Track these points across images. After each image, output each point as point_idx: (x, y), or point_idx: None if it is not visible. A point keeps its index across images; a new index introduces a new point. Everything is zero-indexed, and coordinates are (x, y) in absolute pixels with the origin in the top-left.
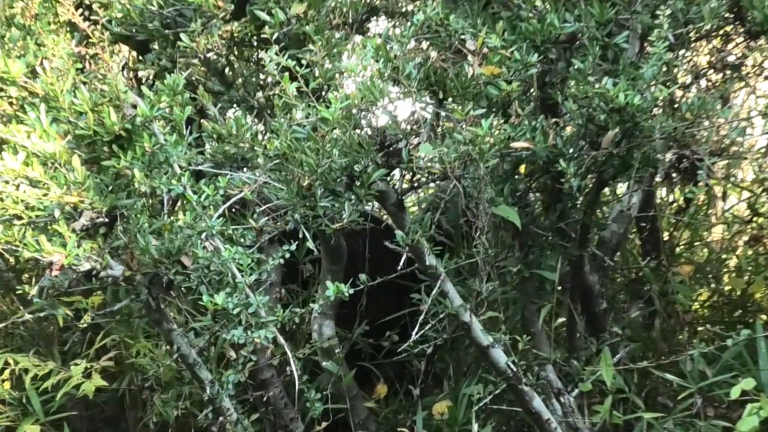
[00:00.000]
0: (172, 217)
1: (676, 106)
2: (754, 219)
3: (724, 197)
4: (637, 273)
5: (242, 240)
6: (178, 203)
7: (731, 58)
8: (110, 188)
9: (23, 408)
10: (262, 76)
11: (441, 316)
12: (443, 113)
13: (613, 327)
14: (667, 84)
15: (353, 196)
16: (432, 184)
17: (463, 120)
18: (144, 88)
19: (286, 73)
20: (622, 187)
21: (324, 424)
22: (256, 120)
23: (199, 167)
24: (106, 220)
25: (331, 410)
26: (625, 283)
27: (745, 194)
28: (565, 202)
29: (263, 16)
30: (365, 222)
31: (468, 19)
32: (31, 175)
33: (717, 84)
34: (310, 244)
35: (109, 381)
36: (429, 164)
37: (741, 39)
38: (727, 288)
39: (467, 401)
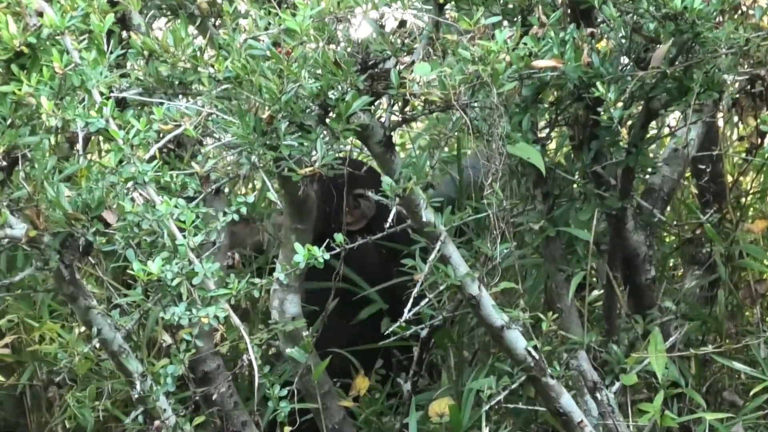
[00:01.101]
0: (90, 160)
1: (747, 11)
2: None
3: None
4: (695, 231)
5: (183, 190)
6: (98, 142)
7: None
8: (8, 122)
9: None
10: None
11: (441, 288)
12: (444, 22)
13: (664, 301)
14: None
15: (327, 132)
16: (430, 116)
17: (470, 31)
18: None
19: None
20: (676, 119)
21: (288, 430)
22: (198, 32)
23: (125, 94)
24: (4, 163)
25: (297, 411)
26: (680, 244)
27: None
28: (603, 138)
29: None
30: (342, 166)
31: None
32: None
33: None
34: (271, 194)
35: (4, 375)
36: (426, 90)
37: None
38: None
39: (474, 398)
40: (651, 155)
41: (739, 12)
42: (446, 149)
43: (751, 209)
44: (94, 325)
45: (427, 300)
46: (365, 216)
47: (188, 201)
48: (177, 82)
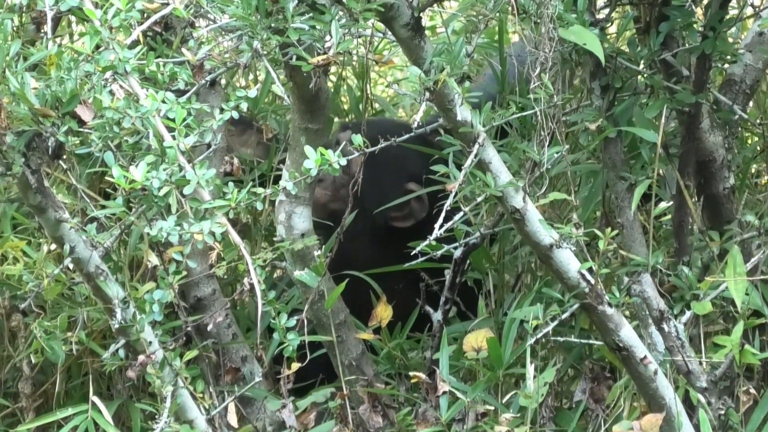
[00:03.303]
0: (60, 45)
1: None
2: None
3: None
4: None
5: (172, 82)
6: (70, 23)
7: None
8: None
9: None
10: None
11: (478, 199)
12: None
13: (745, 215)
14: None
15: (343, 13)
16: None
17: None
18: None
19: None
20: None
21: (296, 367)
22: None
23: None
24: None
25: (308, 345)
26: (764, 146)
27: None
28: (674, 19)
29: None
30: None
31: None
32: None
33: None
34: (277, 87)
35: None
36: None
37: None
38: None
39: (517, 330)
40: (731, 40)
41: None
42: (485, 34)
43: None
44: (67, 242)
45: (461, 214)
46: (414, 217)
47: (178, 95)
48: None
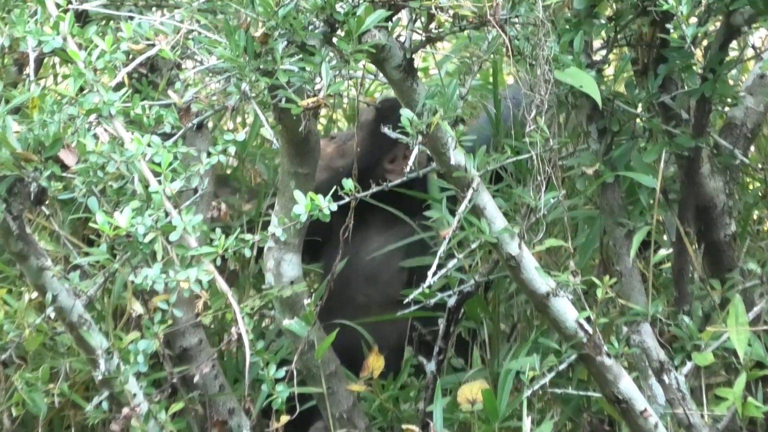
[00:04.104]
0: (43, 87)
1: None
2: None
3: None
4: None
5: (157, 125)
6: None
7: None
8: None
9: None
10: None
11: (473, 246)
12: None
13: (748, 263)
14: None
15: (334, 54)
16: (460, 35)
17: None
18: None
19: None
20: (762, 38)
21: (285, 419)
22: None
23: (87, 6)
24: None
25: (297, 396)
26: (766, 192)
27: None
28: (673, 61)
29: None
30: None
31: None
32: None
33: None
34: (266, 130)
35: None
36: (455, 2)
37: None
38: None
39: (513, 382)
40: (731, 82)
41: None
42: (479, 76)
43: None
44: (49, 291)
45: (455, 261)
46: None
47: (164, 138)
48: None
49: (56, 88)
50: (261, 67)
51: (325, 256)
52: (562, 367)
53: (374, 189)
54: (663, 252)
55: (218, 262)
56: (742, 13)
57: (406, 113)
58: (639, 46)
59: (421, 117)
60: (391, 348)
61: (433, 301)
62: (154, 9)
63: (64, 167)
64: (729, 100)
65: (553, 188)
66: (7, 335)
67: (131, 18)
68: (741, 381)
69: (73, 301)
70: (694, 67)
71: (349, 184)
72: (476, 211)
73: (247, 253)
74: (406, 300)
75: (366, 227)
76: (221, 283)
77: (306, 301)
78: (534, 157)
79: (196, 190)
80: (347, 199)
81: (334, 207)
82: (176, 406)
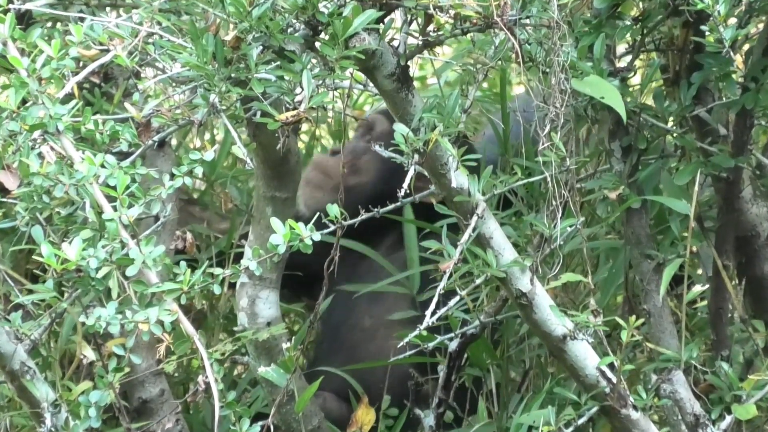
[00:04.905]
0: None
1: None
2: None
3: None
4: None
5: (113, 143)
6: None
7: None
8: None
9: None
10: None
11: (478, 281)
12: None
13: None
14: None
15: (317, 61)
16: (462, 39)
17: None
18: None
19: None
20: None
21: None
22: None
23: (30, 5)
24: None
25: None
26: None
27: None
28: (708, 69)
29: None
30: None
31: None
32: None
33: None
34: (238, 149)
35: None
36: (457, 1)
37: None
38: None
39: None
40: None
41: None
42: (485, 85)
43: None
44: None
45: (458, 299)
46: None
47: (120, 158)
48: None
49: None
50: (232, 75)
51: (318, 290)
52: (581, 421)
53: (363, 216)
54: (698, 288)
55: (183, 300)
56: None
57: (400, 129)
58: (669, 51)
59: (417, 133)
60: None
61: (431, 345)
62: (108, 9)
63: (5, 191)
64: None
65: (571, 215)
66: None
67: (82, 20)
68: None
69: (14, 345)
70: (733, 76)
71: (334, 210)
72: (481, 241)
73: (217, 290)
74: (400, 344)
75: (370, 247)
76: (186, 325)
77: (285, 345)
78: (548, 179)
79: (157, 218)
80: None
81: (318, 237)
82: None
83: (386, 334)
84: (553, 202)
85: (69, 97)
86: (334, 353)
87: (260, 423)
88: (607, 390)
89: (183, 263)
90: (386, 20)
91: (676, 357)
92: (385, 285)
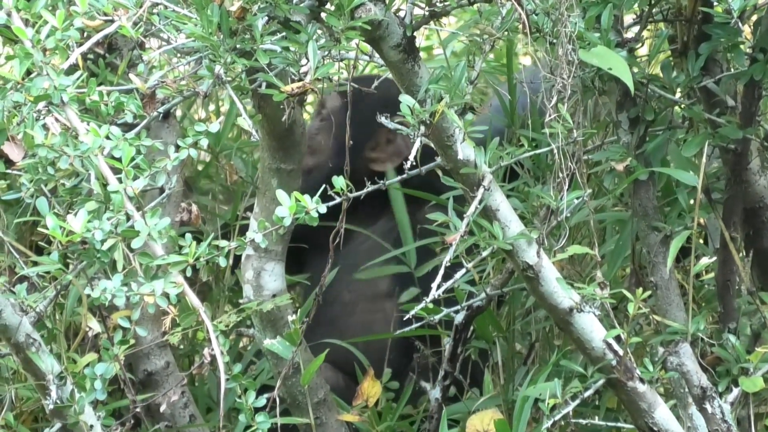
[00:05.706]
0: None
1: None
2: None
3: None
4: None
5: (117, 114)
6: None
7: None
8: None
9: None
10: None
11: (484, 254)
12: None
13: None
14: None
15: (323, 32)
16: (468, 9)
17: None
18: None
19: None
20: None
21: None
22: None
23: None
24: None
25: (281, 428)
26: None
27: None
28: (716, 39)
29: None
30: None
31: None
32: None
33: None
34: (243, 120)
35: None
36: None
37: None
38: None
39: (530, 411)
40: None
41: None
42: (492, 56)
43: None
44: None
45: (464, 271)
46: (399, 154)
47: (125, 130)
48: None
49: None
50: (237, 46)
51: (310, 264)
52: (587, 394)
53: (369, 188)
54: (705, 261)
55: (188, 272)
56: None
57: (406, 100)
58: (677, 21)
59: (423, 104)
60: (390, 357)
61: (437, 317)
62: None
63: (9, 163)
64: None
65: (578, 187)
66: None
67: None
68: None
69: (19, 318)
70: (742, 46)
71: (340, 182)
72: (488, 213)
73: (222, 262)
74: (407, 316)
75: (349, 221)
76: (192, 297)
77: (290, 318)
78: (555, 150)
79: (162, 190)
80: (338, 200)
81: (323, 209)
82: None
83: (366, 308)
84: (560, 174)
85: (73, 68)
86: (315, 326)
87: (266, 395)
88: (614, 363)
89: (188, 236)
90: None
91: (683, 329)
92: (381, 261)
